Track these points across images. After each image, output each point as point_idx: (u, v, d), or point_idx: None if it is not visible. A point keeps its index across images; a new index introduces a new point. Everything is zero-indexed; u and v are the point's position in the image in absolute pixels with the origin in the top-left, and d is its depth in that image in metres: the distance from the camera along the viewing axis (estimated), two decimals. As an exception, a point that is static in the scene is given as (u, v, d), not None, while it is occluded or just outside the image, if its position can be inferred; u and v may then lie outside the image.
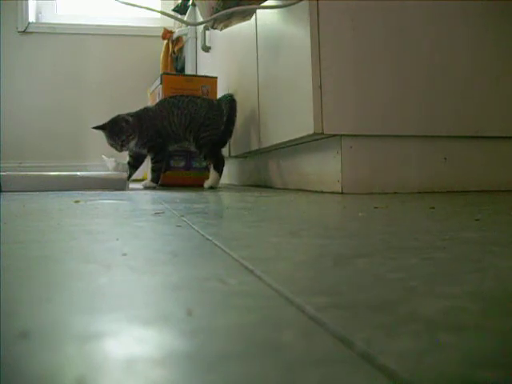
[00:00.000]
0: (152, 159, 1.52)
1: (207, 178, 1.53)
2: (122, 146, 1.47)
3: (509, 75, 1.17)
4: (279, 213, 0.70)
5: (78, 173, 1.41)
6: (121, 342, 0.18)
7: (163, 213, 0.66)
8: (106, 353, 0.18)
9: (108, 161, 2.23)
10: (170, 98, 1.55)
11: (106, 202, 0.91)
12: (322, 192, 1.14)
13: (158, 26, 2.76)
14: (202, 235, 0.45)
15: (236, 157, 1.79)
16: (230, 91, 1.75)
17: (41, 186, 1.29)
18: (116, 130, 1.45)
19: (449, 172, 1.15)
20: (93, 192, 1.22)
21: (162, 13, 1.59)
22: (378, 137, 1.11)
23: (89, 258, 0.35)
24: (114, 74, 2.79)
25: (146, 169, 1.72)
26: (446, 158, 1.15)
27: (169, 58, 2.58)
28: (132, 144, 1.48)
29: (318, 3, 1.08)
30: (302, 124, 1.12)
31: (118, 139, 1.45)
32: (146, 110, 1.56)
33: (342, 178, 1.08)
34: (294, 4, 1.12)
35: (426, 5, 1.12)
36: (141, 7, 1.39)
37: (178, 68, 2.60)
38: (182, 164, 1.66)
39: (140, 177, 1.84)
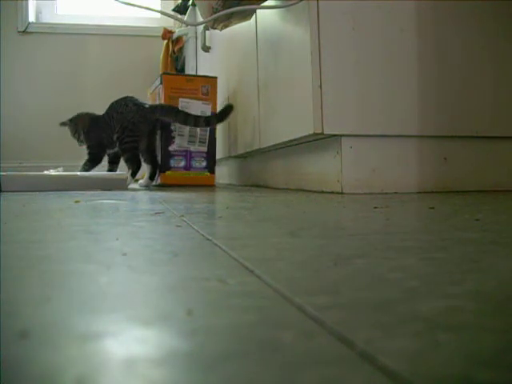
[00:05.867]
0: (87, 159, 1.62)
1: (207, 177, 1.53)
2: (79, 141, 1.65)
3: (509, 75, 1.17)
4: (279, 213, 0.70)
5: (78, 173, 1.41)
6: (121, 341, 0.18)
7: (163, 213, 0.66)
8: (105, 353, 0.18)
9: None
10: (116, 101, 1.60)
11: (106, 201, 0.90)
12: (322, 192, 1.14)
13: (158, 26, 2.76)
14: (202, 235, 0.45)
15: (236, 157, 1.79)
16: (230, 91, 1.75)
17: (41, 185, 1.29)
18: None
19: (449, 172, 1.15)
20: (93, 192, 1.22)
21: (162, 13, 1.59)
22: (378, 137, 1.11)
23: (89, 257, 0.35)
24: (114, 74, 2.79)
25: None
26: (445, 158, 1.14)
27: (169, 58, 2.58)
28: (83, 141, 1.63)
29: (318, 3, 1.08)
30: (302, 124, 1.12)
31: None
32: (100, 118, 1.62)
33: (342, 177, 1.08)
34: (294, 4, 1.12)
35: (426, 5, 1.12)
36: (141, 7, 1.39)
37: (178, 68, 2.59)
38: (182, 164, 1.66)
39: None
